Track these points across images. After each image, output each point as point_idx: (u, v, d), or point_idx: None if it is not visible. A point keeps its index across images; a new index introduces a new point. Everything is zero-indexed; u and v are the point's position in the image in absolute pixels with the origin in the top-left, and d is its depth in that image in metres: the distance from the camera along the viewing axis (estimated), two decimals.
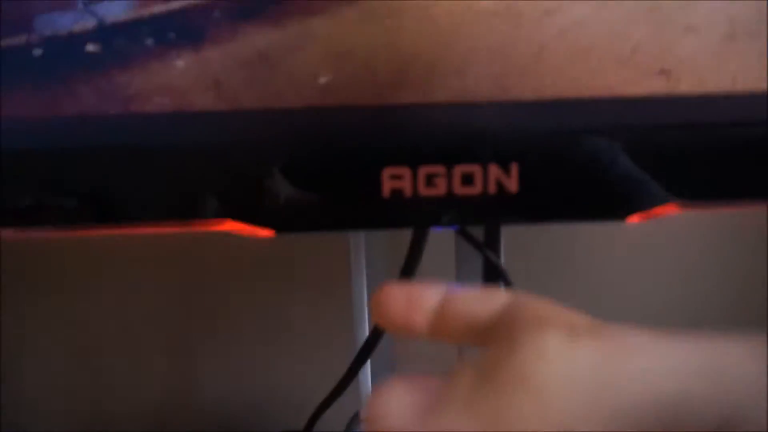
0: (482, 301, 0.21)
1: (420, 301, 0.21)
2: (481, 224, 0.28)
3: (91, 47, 0.26)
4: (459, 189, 0.27)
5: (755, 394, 0.14)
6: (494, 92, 0.27)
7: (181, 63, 0.27)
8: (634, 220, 0.28)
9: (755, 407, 0.14)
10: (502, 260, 0.33)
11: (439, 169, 0.27)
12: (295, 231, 0.28)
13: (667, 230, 0.55)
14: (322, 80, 0.27)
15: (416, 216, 0.27)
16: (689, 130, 0.27)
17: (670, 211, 0.28)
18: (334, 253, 0.50)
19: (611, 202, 0.27)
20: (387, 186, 0.27)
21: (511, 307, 0.21)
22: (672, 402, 0.14)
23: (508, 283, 0.33)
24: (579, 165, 0.27)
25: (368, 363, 0.36)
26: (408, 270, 0.31)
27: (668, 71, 0.27)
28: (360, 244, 0.37)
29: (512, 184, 0.27)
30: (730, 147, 0.27)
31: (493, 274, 0.32)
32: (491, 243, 0.32)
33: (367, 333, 0.36)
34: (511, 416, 0.15)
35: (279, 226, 0.27)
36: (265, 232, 0.28)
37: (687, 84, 0.27)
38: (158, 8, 0.26)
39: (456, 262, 0.36)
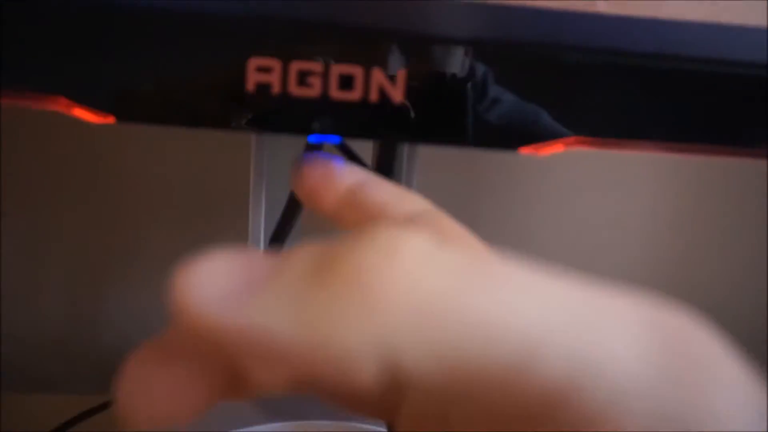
0: (395, 200, 0.21)
1: (335, 177, 0.22)
2: (360, 137, 0.25)
3: None
4: (336, 93, 0.23)
5: (612, 362, 0.11)
6: None
7: None
8: (526, 151, 0.25)
9: (607, 374, 0.11)
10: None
11: (315, 66, 0.23)
12: (140, 120, 0.23)
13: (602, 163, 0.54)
14: None
15: (285, 118, 0.24)
16: (597, 56, 0.24)
17: (569, 146, 0.25)
18: (233, 197, 0.48)
19: (503, 129, 0.24)
20: (252, 79, 0.23)
21: (418, 216, 0.20)
22: (523, 348, 0.11)
23: None
24: (473, 82, 0.24)
25: None
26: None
27: None
28: (261, 181, 0.33)
29: (397, 94, 0.24)
30: (643, 80, 0.24)
31: None
32: (383, 167, 0.29)
33: None
34: (332, 315, 0.11)
35: (120, 112, 0.23)
36: (102, 118, 0.23)
37: (606, 4, 0.24)
38: None
39: None
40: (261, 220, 0.35)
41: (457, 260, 0.12)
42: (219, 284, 0.11)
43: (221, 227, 0.53)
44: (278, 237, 0.31)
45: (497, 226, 0.55)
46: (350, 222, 0.22)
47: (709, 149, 0.25)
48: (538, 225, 0.55)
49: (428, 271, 0.11)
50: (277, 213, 0.32)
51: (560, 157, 0.55)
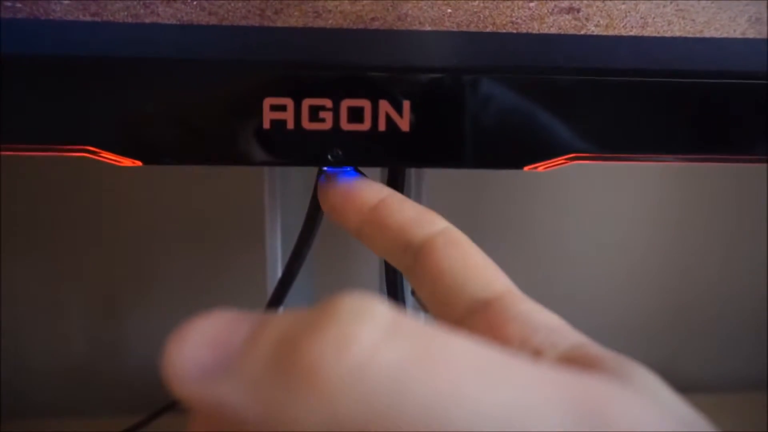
0: (414, 221, 0.22)
1: (358, 194, 0.23)
2: (370, 165, 0.26)
3: None
4: (346, 125, 0.25)
5: None
6: (389, 20, 0.25)
7: None
8: (529, 169, 0.27)
9: None
10: None
11: (326, 101, 0.25)
12: (165, 162, 0.25)
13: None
14: None
15: (299, 151, 0.25)
16: (590, 75, 0.25)
17: (569, 162, 0.26)
18: (249, 220, 0.49)
19: (505, 150, 0.25)
20: (268, 117, 0.25)
21: (430, 240, 0.21)
22: None
23: None
24: (475, 107, 0.25)
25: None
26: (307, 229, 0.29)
27: (577, 9, 0.25)
28: (276, 207, 0.35)
29: (404, 123, 0.25)
30: (638, 96, 0.26)
31: None
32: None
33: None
34: (286, 401, 0.12)
35: (147, 156, 0.25)
36: (129, 162, 0.25)
37: (595, 24, 0.26)
38: None
39: None
40: (277, 242, 0.36)
41: (406, 350, 0.12)
42: (198, 359, 0.13)
43: (237, 251, 0.54)
44: (296, 256, 0.32)
45: (503, 231, 0.56)
46: (372, 240, 0.23)
47: (706, 158, 0.27)
48: (543, 230, 0.56)
49: (376, 364, 0.12)
50: (293, 233, 0.33)
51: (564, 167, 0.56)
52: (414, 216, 0.22)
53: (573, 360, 0.16)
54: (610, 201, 0.56)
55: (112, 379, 0.56)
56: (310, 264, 0.38)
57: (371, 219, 0.23)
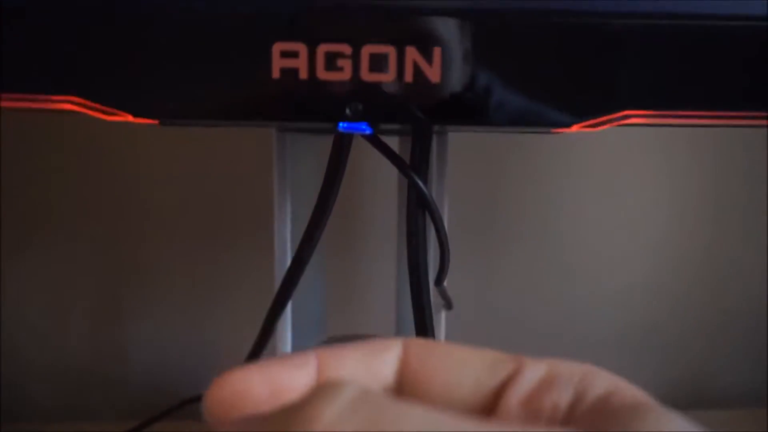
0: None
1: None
2: (395, 121, 0.23)
3: None
4: (367, 75, 0.22)
5: None
6: None
7: None
8: (579, 128, 0.23)
9: None
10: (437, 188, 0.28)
11: (344, 48, 0.22)
12: (160, 117, 0.22)
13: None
14: None
15: (314, 104, 0.22)
16: (642, 21, 0.22)
17: (624, 121, 0.23)
18: (258, 204, 0.47)
19: (552, 105, 0.22)
20: (277, 65, 0.21)
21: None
22: None
23: (435, 220, 0.27)
24: (517, 55, 0.22)
25: (288, 312, 0.31)
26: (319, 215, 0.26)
27: None
28: (285, 185, 0.32)
29: (434, 74, 0.22)
30: (692, 46, 0.22)
31: (420, 204, 0.26)
32: (418, 161, 0.27)
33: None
34: None
35: (139, 109, 0.22)
36: (120, 116, 0.22)
37: None
38: None
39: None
40: (287, 232, 0.33)
41: (363, 420, 0.13)
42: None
43: (244, 249, 0.51)
44: (307, 242, 0.29)
45: (519, 217, 0.53)
46: None
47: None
48: (558, 223, 0.53)
49: None
50: (302, 224, 0.30)
51: (580, 155, 0.53)
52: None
53: (600, 410, 0.15)
54: (622, 208, 0.53)
55: (113, 381, 0.54)
56: (322, 254, 0.35)
57: None
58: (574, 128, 0.23)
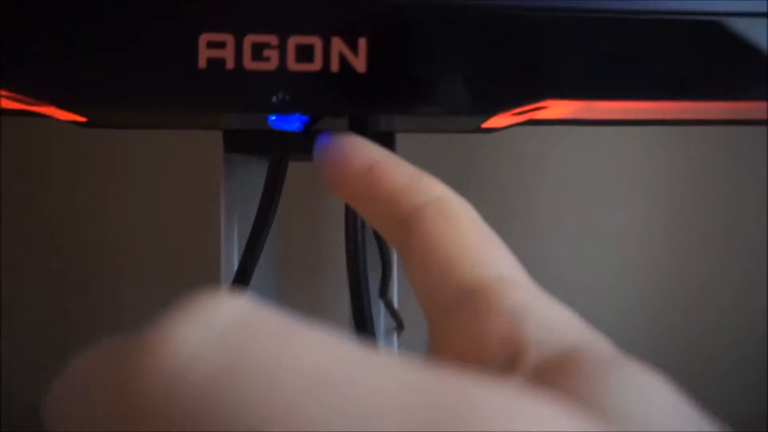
0: (409, 186, 0.18)
1: (345, 158, 0.20)
2: (322, 112, 0.23)
3: None
4: (294, 65, 0.22)
5: None
6: None
7: None
8: (503, 120, 0.24)
9: None
10: None
11: (270, 38, 0.22)
12: (77, 106, 0.22)
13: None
14: None
15: (240, 94, 0.22)
16: (574, 12, 0.23)
17: (545, 111, 0.24)
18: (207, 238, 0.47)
19: (478, 92, 0.23)
20: (204, 55, 0.22)
21: (418, 211, 0.18)
22: None
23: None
24: (442, 44, 0.22)
25: None
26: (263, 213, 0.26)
27: None
28: (233, 227, 0.32)
29: (359, 63, 0.22)
30: (614, 34, 0.23)
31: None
32: None
33: None
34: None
35: (59, 98, 0.22)
36: (37, 106, 0.22)
37: None
38: None
39: None
40: (234, 257, 0.33)
41: (230, 356, 0.10)
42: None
43: (194, 283, 0.51)
44: (250, 252, 0.28)
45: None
46: (366, 214, 0.20)
47: (703, 107, 0.24)
48: (530, 235, 0.54)
49: (189, 377, 0.09)
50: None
51: (554, 163, 0.53)
52: (407, 182, 0.18)
53: (557, 368, 0.13)
54: (607, 221, 0.54)
55: None
56: (272, 272, 0.35)
57: (362, 188, 0.19)
58: (501, 120, 0.24)
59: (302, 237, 0.51)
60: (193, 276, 0.51)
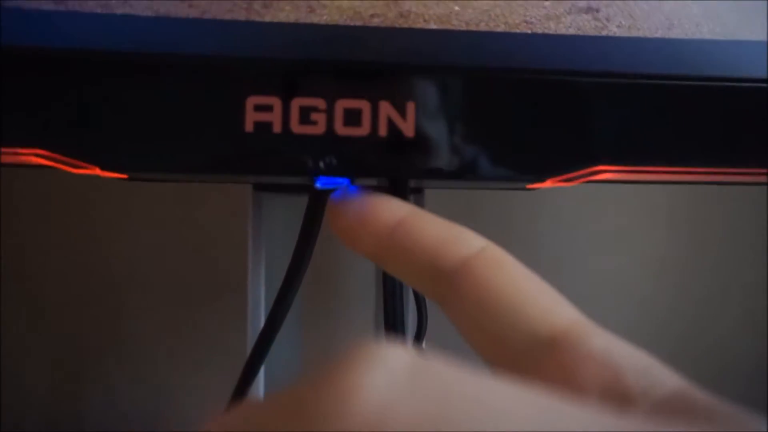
0: (444, 241, 0.18)
1: (371, 214, 0.19)
2: (370, 176, 0.23)
3: None
4: (342, 129, 0.22)
5: None
6: (390, 17, 0.23)
7: None
8: (552, 183, 0.24)
9: None
10: None
11: (318, 102, 0.22)
12: (128, 170, 0.21)
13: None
14: None
15: (287, 159, 0.22)
16: (621, 78, 0.22)
17: (597, 176, 0.23)
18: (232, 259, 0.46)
19: (527, 159, 0.22)
20: (251, 119, 0.21)
21: (467, 263, 0.17)
22: None
23: None
24: (490, 111, 0.22)
25: (261, 376, 0.30)
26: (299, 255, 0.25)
27: (596, 9, 0.23)
28: (260, 246, 0.31)
29: (408, 128, 0.22)
30: (660, 102, 0.23)
31: None
32: None
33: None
34: None
35: (106, 162, 0.21)
36: (86, 169, 0.21)
37: (617, 25, 0.23)
38: None
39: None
40: (261, 294, 0.32)
41: (429, 399, 0.10)
42: None
43: (215, 316, 0.50)
44: (281, 302, 0.28)
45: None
46: (396, 268, 0.19)
47: (737, 174, 0.24)
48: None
49: (391, 418, 0.10)
50: (276, 286, 0.29)
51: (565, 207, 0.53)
52: (443, 235, 0.18)
53: (673, 409, 0.13)
54: (613, 251, 0.53)
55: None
56: (297, 312, 0.34)
57: (391, 243, 0.19)
58: (548, 183, 0.24)
59: (325, 275, 0.50)
60: (217, 307, 0.50)
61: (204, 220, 0.50)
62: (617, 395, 0.13)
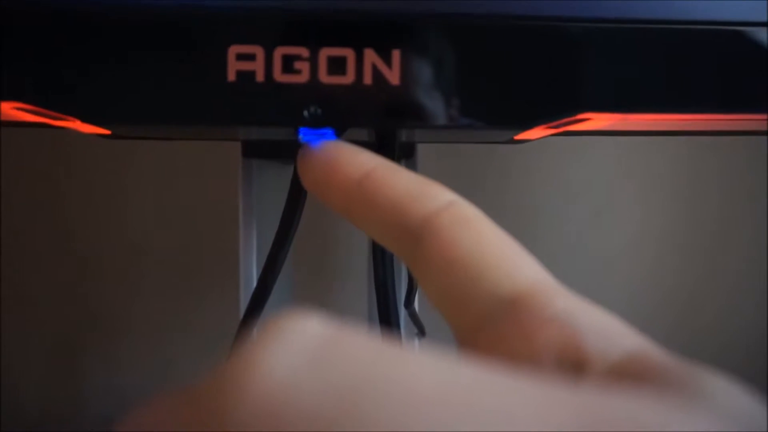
0: (412, 195, 0.17)
1: (341, 165, 0.19)
2: (355, 125, 0.23)
3: None
4: (326, 78, 0.21)
5: None
6: None
7: None
8: (538, 132, 0.23)
9: None
10: None
11: (301, 50, 0.21)
12: (108, 122, 0.21)
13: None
14: None
15: (270, 108, 0.21)
16: (610, 22, 0.22)
17: (586, 125, 0.23)
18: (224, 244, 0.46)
19: (514, 105, 0.22)
20: (233, 68, 0.21)
21: (433, 219, 0.17)
22: None
23: None
24: (477, 57, 0.22)
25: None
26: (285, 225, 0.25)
27: None
28: (251, 213, 0.31)
29: (393, 76, 0.22)
30: (656, 48, 0.22)
31: None
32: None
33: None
34: None
35: (87, 114, 0.21)
36: (66, 122, 0.21)
37: None
38: None
39: None
40: (253, 260, 0.32)
41: (337, 380, 0.09)
42: None
43: (208, 295, 0.50)
44: (271, 265, 0.28)
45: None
46: (363, 222, 0.18)
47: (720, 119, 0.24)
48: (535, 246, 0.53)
49: (292, 400, 0.09)
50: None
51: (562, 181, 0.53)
52: (411, 189, 0.17)
53: (627, 372, 0.12)
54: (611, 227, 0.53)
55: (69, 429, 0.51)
56: (289, 278, 0.34)
57: (358, 196, 0.18)
58: (536, 132, 0.23)
59: (318, 239, 0.50)
60: (209, 277, 0.50)
61: (195, 190, 0.50)
62: (574, 359, 0.13)
